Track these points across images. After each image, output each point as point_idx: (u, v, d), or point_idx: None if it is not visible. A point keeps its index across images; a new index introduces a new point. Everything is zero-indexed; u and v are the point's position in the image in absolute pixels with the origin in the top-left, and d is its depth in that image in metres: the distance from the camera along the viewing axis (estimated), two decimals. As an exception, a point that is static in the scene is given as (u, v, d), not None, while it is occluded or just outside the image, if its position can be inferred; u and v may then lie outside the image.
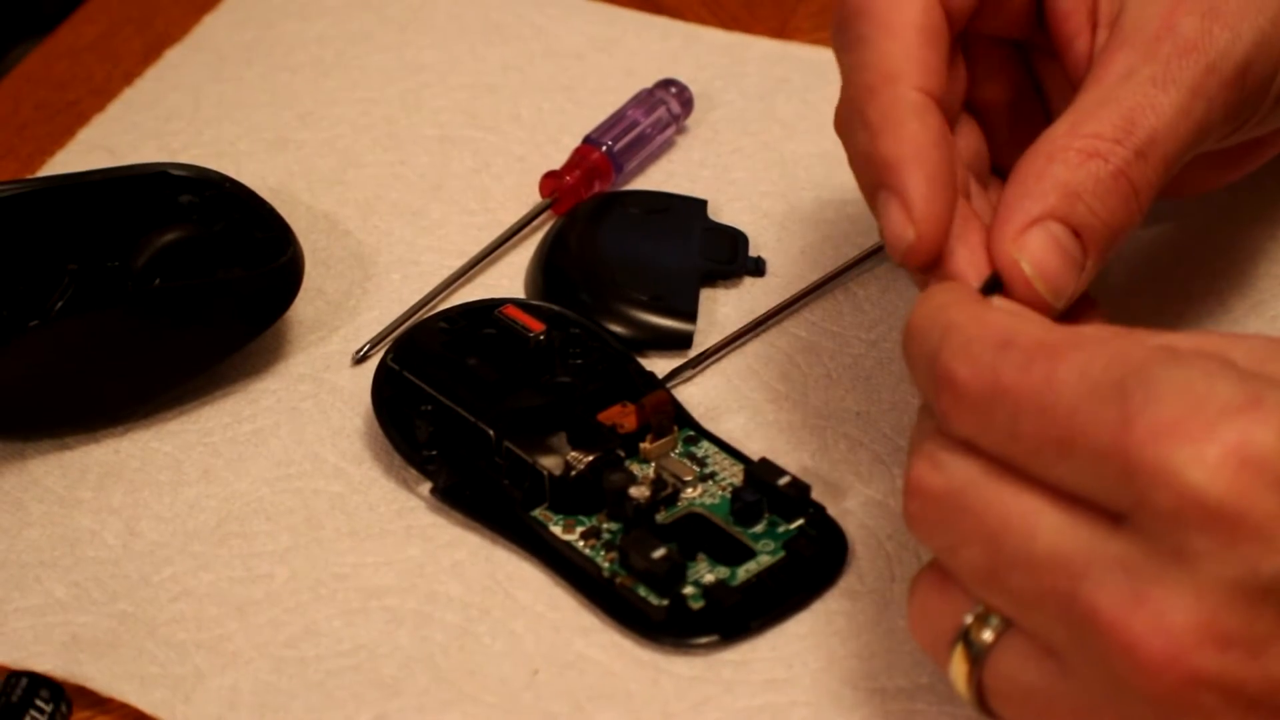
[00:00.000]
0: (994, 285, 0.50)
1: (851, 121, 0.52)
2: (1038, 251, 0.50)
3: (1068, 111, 0.52)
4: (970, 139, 0.56)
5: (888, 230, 0.51)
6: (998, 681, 0.45)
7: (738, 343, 0.61)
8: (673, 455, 0.56)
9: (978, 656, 0.45)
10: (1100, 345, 0.44)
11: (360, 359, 0.61)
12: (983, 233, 0.51)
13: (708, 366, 0.60)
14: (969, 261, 0.51)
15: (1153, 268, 0.62)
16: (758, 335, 0.61)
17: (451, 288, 0.64)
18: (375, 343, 0.61)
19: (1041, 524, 0.44)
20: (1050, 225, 0.50)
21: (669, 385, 0.59)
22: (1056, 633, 0.43)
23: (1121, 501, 0.42)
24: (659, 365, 0.60)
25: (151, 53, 0.75)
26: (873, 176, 0.52)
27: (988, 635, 0.45)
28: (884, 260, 0.63)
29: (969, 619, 0.45)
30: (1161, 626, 0.41)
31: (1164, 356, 0.43)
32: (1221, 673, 0.41)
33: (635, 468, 0.56)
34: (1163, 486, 0.41)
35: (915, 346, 0.47)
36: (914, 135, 0.51)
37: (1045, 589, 0.43)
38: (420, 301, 0.63)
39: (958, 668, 0.46)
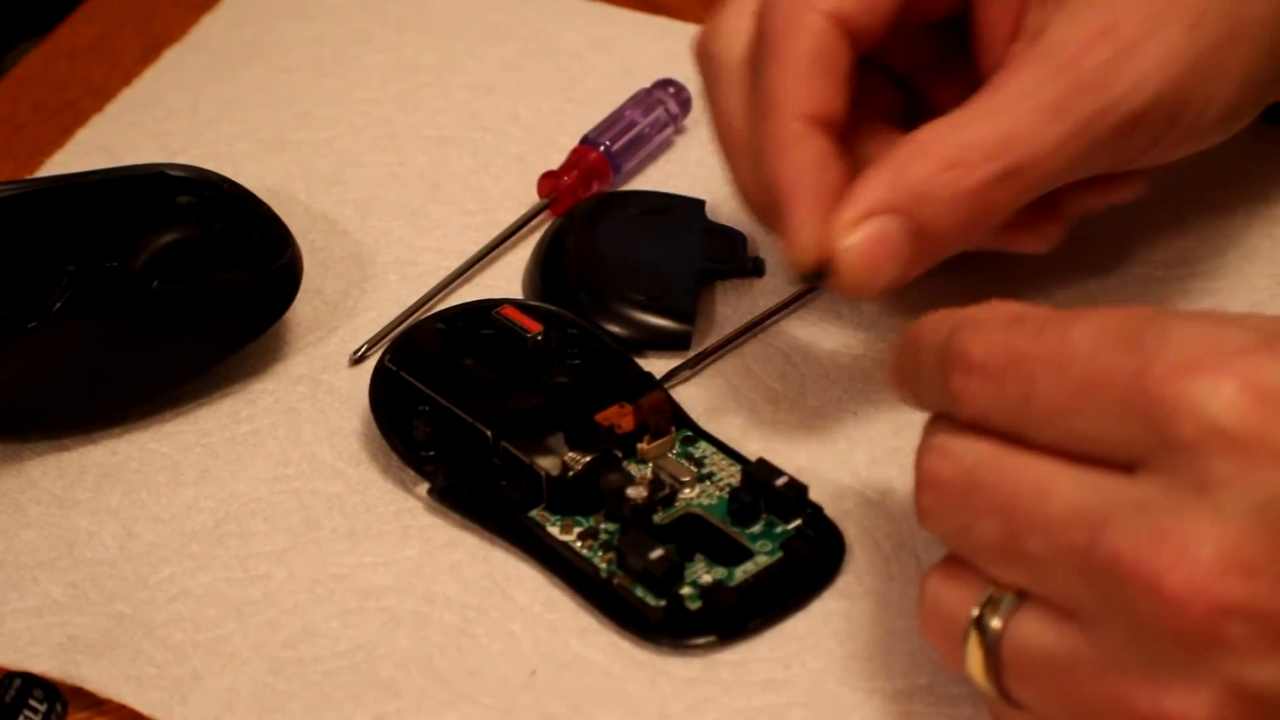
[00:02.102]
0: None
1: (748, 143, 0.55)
2: (863, 241, 0.52)
3: (956, 110, 0.53)
4: (892, 100, 0.58)
5: (784, 249, 0.54)
6: (1016, 656, 0.45)
7: (735, 343, 0.61)
8: (670, 456, 0.56)
9: (992, 640, 0.45)
10: (1111, 309, 0.45)
11: (358, 360, 0.61)
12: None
13: (705, 367, 0.60)
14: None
15: (1152, 268, 0.62)
16: (755, 335, 0.61)
17: (449, 288, 0.64)
18: (373, 343, 0.61)
19: (1056, 485, 0.44)
20: (885, 219, 0.52)
21: (667, 386, 0.59)
22: (1076, 591, 0.43)
23: (1139, 445, 0.43)
24: (657, 366, 0.60)
25: (150, 53, 0.75)
26: (765, 198, 0.54)
27: (998, 620, 0.45)
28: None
29: (978, 609, 0.45)
30: (1185, 559, 0.41)
31: (1176, 312, 0.45)
32: (1248, 601, 0.41)
33: (633, 468, 0.56)
34: (1183, 418, 0.42)
35: (924, 341, 0.47)
36: (795, 164, 0.53)
37: (1064, 547, 0.43)
38: (418, 302, 0.63)
39: (973, 655, 0.45)
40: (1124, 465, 0.43)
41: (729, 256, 0.63)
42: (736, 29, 0.56)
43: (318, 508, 0.57)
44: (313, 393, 0.60)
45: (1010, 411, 0.45)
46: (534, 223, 0.66)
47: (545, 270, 0.63)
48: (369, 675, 0.52)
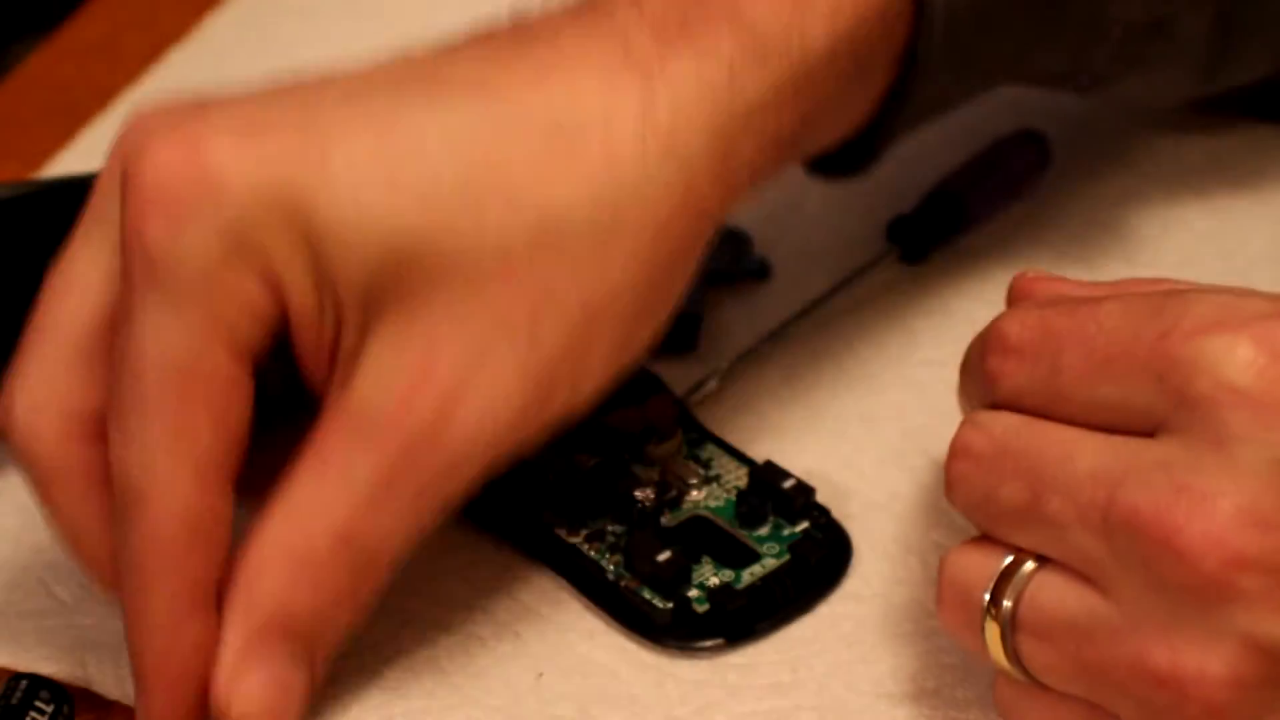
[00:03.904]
0: None
1: None
2: (253, 695, 0.47)
3: (282, 501, 0.47)
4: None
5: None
6: (1034, 620, 0.45)
7: (743, 347, 0.61)
8: (677, 458, 0.56)
9: (1010, 605, 0.45)
10: (1140, 284, 0.48)
11: None
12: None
13: (713, 371, 0.60)
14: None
15: (1157, 270, 0.62)
16: (760, 337, 0.61)
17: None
18: None
19: (1080, 448, 0.45)
20: (266, 654, 0.47)
21: (691, 399, 0.58)
22: (1095, 550, 0.44)
23: (1160, 408, 0.43)
24: (666, 369, 0.60)
25: (154, 53, 0.75)
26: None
27: (1017, 585, 0.45)
28: (894, 266, 0.63)
29: (996, 579, 0.46)
30: (1202, 512, 0.42)
31: (1199, 285, 0.47)
32: (1263, 554, 0.41)
33: (640, 470, 0.55)
34: (1200, 374, 0.43)
35: (975, 342, 0.49)
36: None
37: (1084, 505, 0.44)
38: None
39: (990, 627, 0.46)
40: (1147, 430, 0.44)
41: (735, 258, 0.63)
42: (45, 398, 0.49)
43: (324, 509, 0.56)
44: (319, 394, 0.60)
45: (1040, 386, 0.46)
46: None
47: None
48: (375, 677, 0.52)
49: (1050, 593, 0.45)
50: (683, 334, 0.61)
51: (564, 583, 0.54)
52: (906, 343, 0.61)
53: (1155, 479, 0.43)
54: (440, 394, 0.46)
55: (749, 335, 0.61)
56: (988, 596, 0.46)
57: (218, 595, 0.47)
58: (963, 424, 0.48)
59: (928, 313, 0.62)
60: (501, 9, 0.75)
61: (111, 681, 0.52)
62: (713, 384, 0.59)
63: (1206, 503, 0.42)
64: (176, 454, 0.46)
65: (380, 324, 0.46)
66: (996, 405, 0.47)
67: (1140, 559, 0.43)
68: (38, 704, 0.51)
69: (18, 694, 0.50)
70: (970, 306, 0.61)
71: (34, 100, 0.73)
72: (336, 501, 0.47)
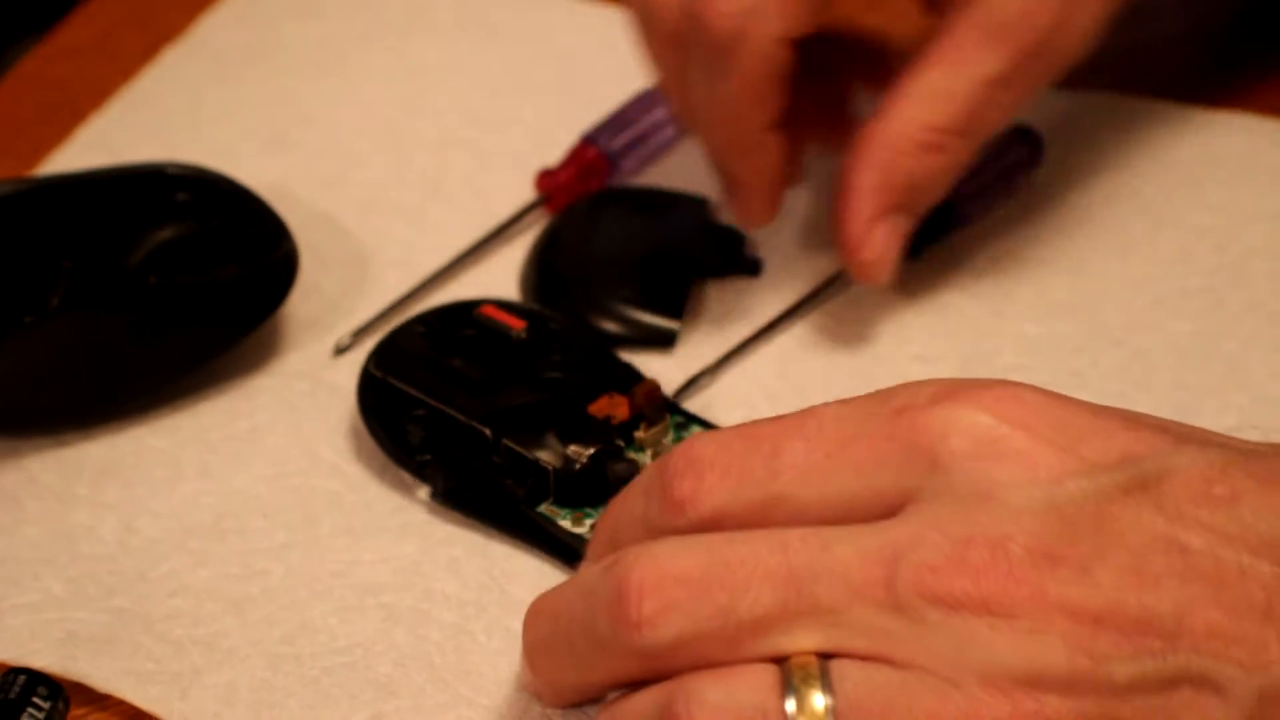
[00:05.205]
0: None
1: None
2: (879, 247, 0.58)
3: (917, 86, 0.57)
4: None
5: (740, 216, 0.61)
6: (858, 710, 0.42)
7: (734, 342, 0.61)
8: (666, 442, 0.56)
9: (827, 707, 0.42)
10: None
11: (342, 350, 0.61)
12: None
13: (704, 370, 0.60)
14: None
15: (1151, 265, 0.62)
16: (755, 330, 0.61)
17: (443, 283, 0.64)
18: (358, 334, 0.62)
19: (829, 536, 0.43)
20: (889, 220, 0.58)
21: (683, 395, 0.59)
22: (884, 625, 0.42)
23: (909, 478, 0.43)
24: (649, 362, 0.60)
25: (151, 52, 0.75)
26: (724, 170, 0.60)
27: (818, 687, 0.42)
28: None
29: (785, 691, 0.42)
30: (997, 558, 0.41)
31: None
32: (1063, 587, 0.41)
33: (633, 456, 0.55)
34: (953, 434, 0.43)
35: (622, 499, 0.47)
36: (757, 164, 0.59)
37: (860, 585, 0.42)
38: (408, 293, 0.63)
39: None
40: (884, 513, 0.43)
41: (727, 255, 0.63)
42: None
43: (316, 504, 0.57)
44: (312, 390, 0.60)
45: (751, 496, 0.44)
46: (534, 221, 0.66)
47: (541, 266, 0.63)
48: (367, 673, 0.52)
49: (858, 680, 0.42)
50: (664, 329, 0.61)
51: (555, 577, 0.54)
52: (898, 337, 0.61)
53: (933, 539, 0.42)
54: (1056, 8, 0.56)
55: (740, 332, 0.61)
56: (791, 707, 0.42)
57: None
58: (628, 566, 0.43)
59: (919, 309, 0.62)
60: (493, 15, 0.76)
61: (104, 675, 0.52)
62: (705, 379, 0.59)
63: (999, 548, 0.41)
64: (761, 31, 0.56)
65: None
66: (680, 533, 0.44)
67: (943, 618, 0.41)
68: (35, 700, 0.51)
69: (15, 689, 0.50)
70: (962, 301, 0.62)
71: (31, 99, 0.73)
72: (965, 90, 0.57)
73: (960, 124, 0.57)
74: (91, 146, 0.70)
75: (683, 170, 0.68)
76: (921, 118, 0.57)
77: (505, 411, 0.56)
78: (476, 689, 0.51)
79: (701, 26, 0.56)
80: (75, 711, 0.52)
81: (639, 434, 0.56)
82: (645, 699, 0.44)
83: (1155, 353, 0.60)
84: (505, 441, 0.55)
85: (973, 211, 0.63)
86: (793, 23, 0.56)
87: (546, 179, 0.66)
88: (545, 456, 0.55)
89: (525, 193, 0.67)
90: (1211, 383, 0.58)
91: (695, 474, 0.44)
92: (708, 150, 0.60)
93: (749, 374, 0.60)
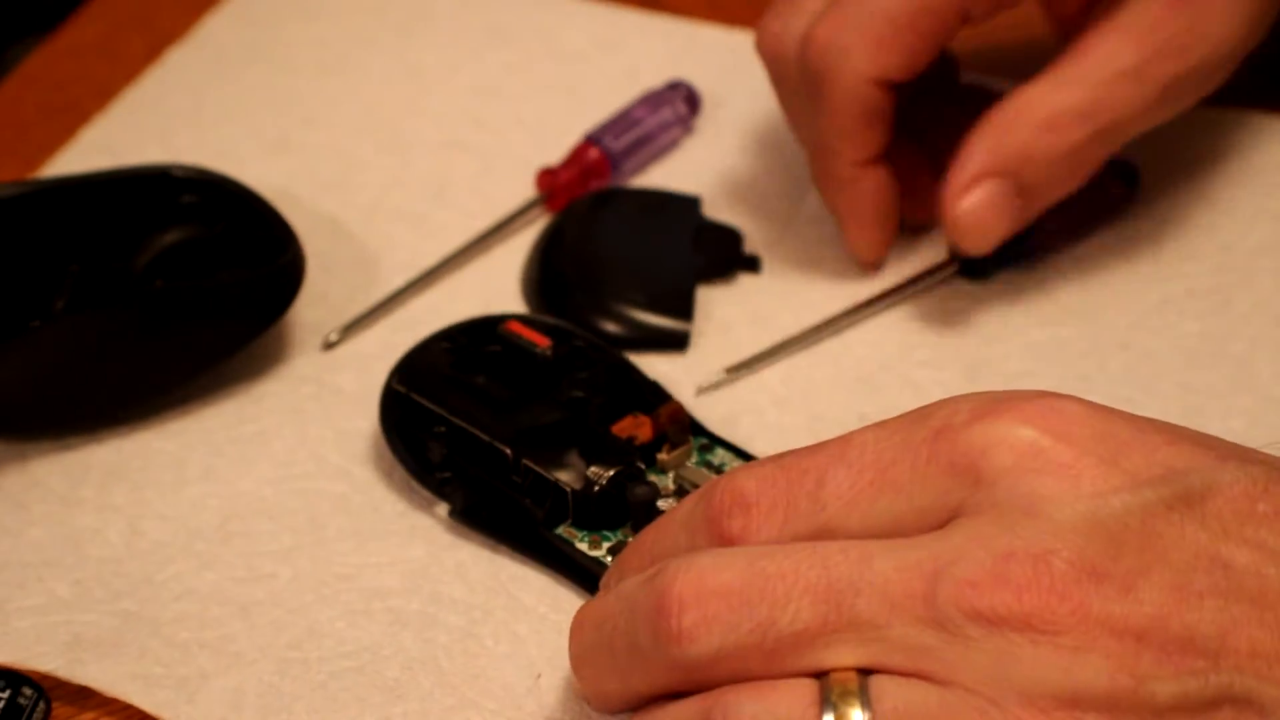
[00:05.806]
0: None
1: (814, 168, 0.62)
2: (975, 204, 0.57)
3: (1047, 74, 0.58)
4: None
5: (848, 250, 0.63)
6: None
7: (744, 344, 0.61)
8: (689, 464, 0.56)
9: None
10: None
11: (330, 346, 0.61)
12: None
13: (725, 372, 0.60)
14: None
15: (1158, 265, 0.62)
16: (787, 338, 0.61)
17: (443, 282, 0.64)
18: (347, 329, 0.62)
19: (871, 550, 0.42)
20: (992, 183, 0.57)
21: (701, 390, 0.59)
22: (921, 639, 0.42)
23: (954, 495, 0.43)
24: (655, 365, 0.60)
25: (153, 53, 0.75)
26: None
27: (856, 702, 0.42)
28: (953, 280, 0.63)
29: (825, 706, 0.42)
30: (1039, 572, 0.41)
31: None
32: (1105, 604, 0.41)
33: (654, 479, 0.55)
34: (996, 450, 0.42)
35: (664, 523, 0.47)
36: (850, 198, 0.61)
37: (900, 599, 0.42)
38: (403, 287, 0.63)
39: None
40: (931, 529, 0.43)
41: (726, 254, 0.63)
42: (789, 30, 0.61)
43: (323, 508, 0.56)
44: (318, 393, 0.60)
45: (802, 522, 0.44)
46: (534, 220, 0.66)
47: (543, 267, 0.63)
48: (375, 677, 0.52)
49: (898, 696, 0.42)
50: (676, 331, 0.61)
51: (563, 583, 0.54)
52: (904, 343, 0.61)
53: (975, 554, 0.41)
54: (1193, 12, 0.57)
55: (748, 333, 0.61)
56: None
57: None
58: (672, 576, 0.43)
59: (925, 315, 0.62)
60: (495, 16, 0.76)
61: (111, 679, 0.52)
62: (723, 378, 0.59)
63: (1042, 562, 0.41)
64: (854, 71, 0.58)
65: None
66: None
67: (984, 634, 0.41)
68: (20, 700, 0.51)
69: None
70: (968, 307, 0.61)
71: (33, 100, 0.73)
72: (1095, 80, 0.57)
73: (1083, 108, 0.57)
74: (94, 148, 0.70)
75: (684, 171, 0.68)
76: (1044, 97, 0.57)
77: (526, 431, 0.55)
78: (484, 693, 0.51)
79: (803, 63, 0.59)
80: (81, 716, 0.52)
81: (662, 455, 0.55)
82: (683, 711, 0.44)
83: (1161, 355, 0.60)
84: (525, 461, 0.54)
85: (1048, 244, 0.62)
86: (884, 65, 0.58)
87: (547, 177, 0.66)
88: (564, 477, 0.54)
89: (529, 195, 0.67)
90: (1219, 385, 0.58)
91: (743, 511, 0.44)
92: (814, 182, 0.62)
93: (756, 381, 0.60)
